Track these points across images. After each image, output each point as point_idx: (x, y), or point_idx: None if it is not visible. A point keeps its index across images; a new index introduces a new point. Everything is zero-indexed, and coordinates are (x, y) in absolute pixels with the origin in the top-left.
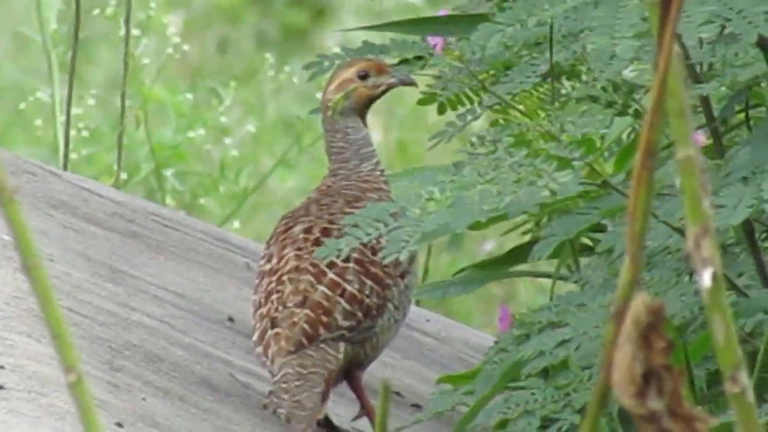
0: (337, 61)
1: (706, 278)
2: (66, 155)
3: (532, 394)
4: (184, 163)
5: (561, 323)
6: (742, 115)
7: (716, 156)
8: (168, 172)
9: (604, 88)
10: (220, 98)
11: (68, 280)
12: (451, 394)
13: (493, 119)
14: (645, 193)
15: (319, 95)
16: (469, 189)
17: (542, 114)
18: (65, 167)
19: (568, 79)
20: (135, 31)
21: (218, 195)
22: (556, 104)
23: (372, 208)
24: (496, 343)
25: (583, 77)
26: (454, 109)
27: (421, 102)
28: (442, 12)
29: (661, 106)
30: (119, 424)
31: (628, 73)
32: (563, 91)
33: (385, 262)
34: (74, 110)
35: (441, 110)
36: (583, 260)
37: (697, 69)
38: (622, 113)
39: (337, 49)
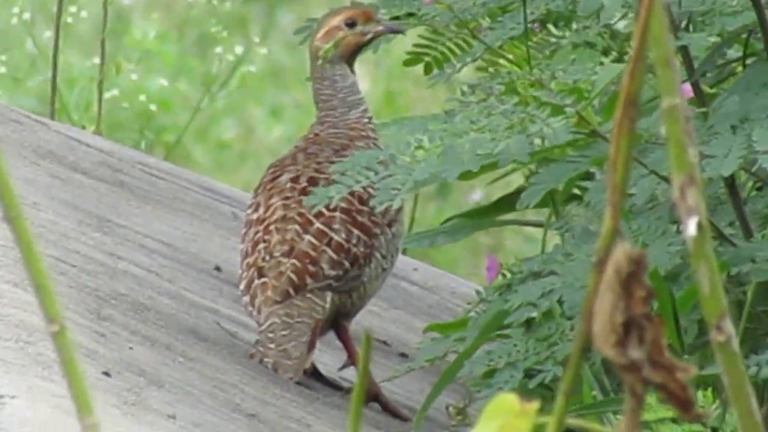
0: None
1: (691, 227)
2: (53, 104)
3: (515, 345)
4: (171, 112)
5: (547, 273)
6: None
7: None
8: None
9: (600, 35)
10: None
11: (55, 229)
12: (442, 342)
13: (482, 67)
14: (626, 142)
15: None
16: (462, 137)
17: (531, 63)
18: (52, 116)
19: (565, 25)
20: None
21: (205, 144)
22: (547, 53)
23: (361, 156)
24: (477, 293)
25: (574, 25)
26: (440, 67)
27: (407, 62)
28: None
29: (642, 55)
30: (106, 373)
31: (620, 24)
32: (553, 40)
33: (377, 210)
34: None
35: (427, 70)
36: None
37: (678, 21)
38: (618, 60)
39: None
